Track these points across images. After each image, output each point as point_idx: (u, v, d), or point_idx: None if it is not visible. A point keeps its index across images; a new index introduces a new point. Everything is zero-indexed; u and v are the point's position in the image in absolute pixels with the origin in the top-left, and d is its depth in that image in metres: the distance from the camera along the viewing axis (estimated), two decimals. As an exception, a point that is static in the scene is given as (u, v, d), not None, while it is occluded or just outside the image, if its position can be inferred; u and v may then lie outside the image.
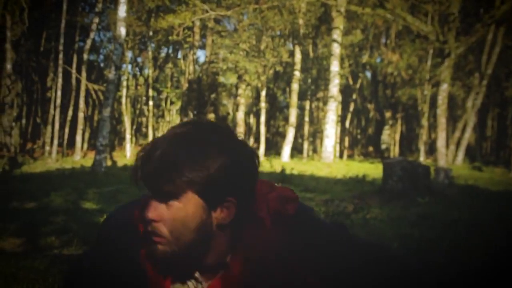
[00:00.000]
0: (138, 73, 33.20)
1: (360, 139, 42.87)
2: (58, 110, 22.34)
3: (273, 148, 35.02)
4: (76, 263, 1.18)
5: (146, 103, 31.60)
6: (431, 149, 30.69)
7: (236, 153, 1.03)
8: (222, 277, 1.08)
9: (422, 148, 25.83)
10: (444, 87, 16.09)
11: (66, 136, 24.78)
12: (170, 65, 33.32)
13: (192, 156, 0.99)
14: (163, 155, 0.99)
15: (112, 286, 1.09)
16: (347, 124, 35.06)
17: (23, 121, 27.63)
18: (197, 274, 1.10)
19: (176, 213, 1.00)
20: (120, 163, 20.03)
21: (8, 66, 20.88)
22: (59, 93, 21.93)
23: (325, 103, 27.26)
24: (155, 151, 1.01)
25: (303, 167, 17.70)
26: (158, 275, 1.08)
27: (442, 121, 15.79)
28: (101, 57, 37.06)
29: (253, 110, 37.74)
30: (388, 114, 34.34)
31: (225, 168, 1.00)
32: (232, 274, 1.07)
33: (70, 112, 24.62)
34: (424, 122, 26.53)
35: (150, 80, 28.91)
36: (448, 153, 21.35)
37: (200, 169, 0.99)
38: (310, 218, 1.17)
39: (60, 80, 21.85)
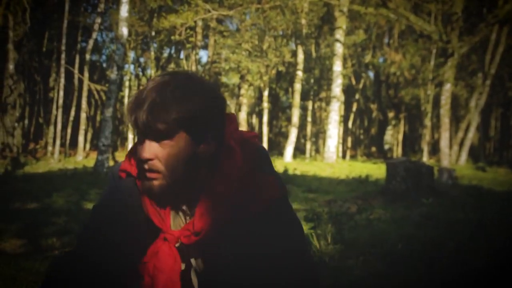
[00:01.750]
0: (141, 73, 33.15)
1: (363, 139, 42.80)
2: (60, 110, 22.35)
3: (276, 148, 34.98)
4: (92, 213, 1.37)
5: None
6: (434, 149, 30.63)
7: (210, 95, 1.21)
8: (207, 196, 1.24)
9: (425, 148, 25.75)
10: (447, 87, 16.05)
11: (68, 137, 24.81)
12: (172, 65, 33.29)
13: (178, 99, 1.16)
14: (153, 100, 1.15)
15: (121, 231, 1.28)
16: (349, 124, 35.01)
17: (26, 121, 27.65)
18: (184, 207, 1.28)
19: (170, 150, 1.18)
20: (123, 163, 19.99)
21: (11, 67, 20.88)
22: (61, 93, 21.94)
23: (327, 103, 27.25)
24: (145, 99, 1.16)
25: (305, 167, 17.69)
26: (157, 208, 1.26)
27: (445, 121, 15.76)
28: (103, 57, 37.19)
29: (255, 110, 37.73)
30: (391, 114, 34.26)
31: (204, 107, 1.18)
32: (215, 193, 1.23)
33: (72, 113, 24.66)
34: (427, 122, 26.48)
35: (153, 81, 28.84)
36: (451, 153, 21.30)
37: (185, 109, 1.16)
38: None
39: (62, 81, 21.86)
